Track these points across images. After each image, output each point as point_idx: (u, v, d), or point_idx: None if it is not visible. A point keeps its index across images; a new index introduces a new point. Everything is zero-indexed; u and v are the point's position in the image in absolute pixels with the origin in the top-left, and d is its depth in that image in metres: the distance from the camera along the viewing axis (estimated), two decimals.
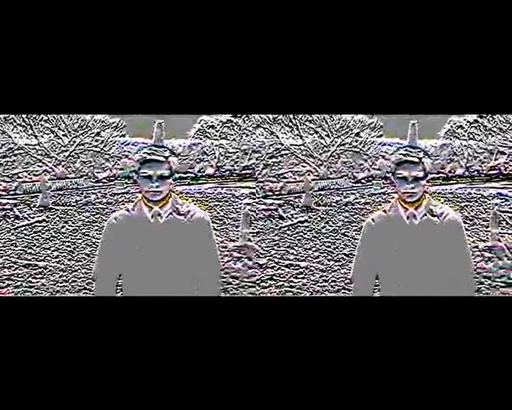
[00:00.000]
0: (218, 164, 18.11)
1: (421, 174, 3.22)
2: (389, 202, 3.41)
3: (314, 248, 10.18)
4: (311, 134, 16.27)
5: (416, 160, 3.23)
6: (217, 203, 14.52)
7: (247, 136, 17.16)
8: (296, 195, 14.75)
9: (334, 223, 12.25)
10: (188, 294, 3.20)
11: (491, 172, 15.42)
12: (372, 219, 3.35)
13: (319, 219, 12.64)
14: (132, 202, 3.31)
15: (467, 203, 13.21)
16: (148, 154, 3.26)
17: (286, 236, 11.24)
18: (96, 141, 18.59)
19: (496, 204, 10.41)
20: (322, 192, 15.05)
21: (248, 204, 13.20)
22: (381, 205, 12.60)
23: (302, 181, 15.21)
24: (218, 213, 13.41)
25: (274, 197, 14.74)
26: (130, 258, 3.22)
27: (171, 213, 3.26)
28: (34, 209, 14.07)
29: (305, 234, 11.30)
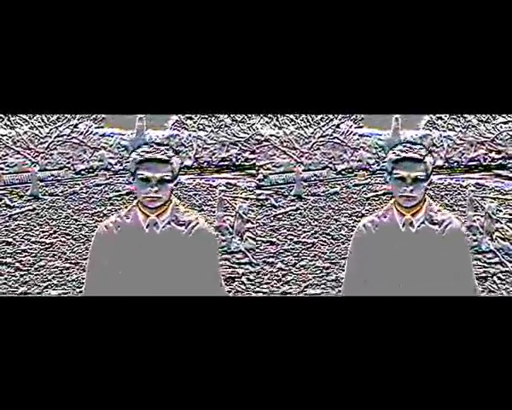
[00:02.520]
0: (196, 155, 18.31)
1: (422, 175, 2.81)
2: (385, 202, 3.15)
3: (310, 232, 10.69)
4: (293, 125, 16.53)
5: (417, 157, 2.83)
6: (195, 192, 14.90)
7: (225, 127, 17.36)
8: (287, 185, 15.17)
9: (325, 210, 12.79)
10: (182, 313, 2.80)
11: (470, 163, 15.83)
12: (364, 226, 2.98)
13: (310, 207, 13.18)
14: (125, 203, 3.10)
15: (446, 192, 13.98)
16: (148, 152, 2.84)
17: (279, 222, 11.79)
18: (76, 132, 18.66)
19: (472, 191, 11.54)
20: (306, 183, 15.35)
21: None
22: (366, 194, 13.09)
23: (293, 171, 15.55)
24: (197, 200, 14.09)
25: (265, 187, 15.04)
26: (122, 273, 2.86)
27: (169, 223, 2.87)
28: (24, 199, 14.43)
29: (298, 220, 11.88)
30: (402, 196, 2.83)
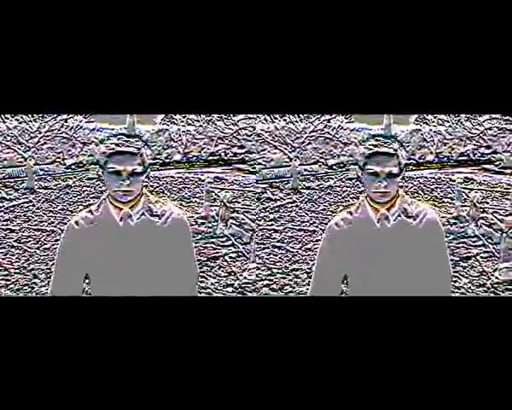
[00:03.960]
0: (186, 150, 18.54)
1: (395, 170, 2.75)
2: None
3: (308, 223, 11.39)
4: (284, 120, 16.76)
5: (390, 151, 2.77)
6: (185, 185, 15.52)
7: (213, 123, 17.61)
8: (283, 178, 15.65)
9: (321, 203, 13.31)
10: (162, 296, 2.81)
11: (460, 158, 16.15)
12: (336, 224, 2.87)
13: (306, 200, 13.74)
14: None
15: (437, 186, 14.48)
16: (117, 145, 2.78)
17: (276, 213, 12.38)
18: (65, 128, 18.82)
19: (460, 183, 12.17)
20: (300, 176, 15.73)
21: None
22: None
23: (290, 166, 15.93)
24: (186, 193, 14.63)
25: (262, 181, 15.41)
26: (96, 269, 2.80)
27: (143, 214, 2.82)
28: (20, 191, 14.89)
29: (295, 212, 12.48)
30: (376, 192, 2.75)
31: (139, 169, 2.76)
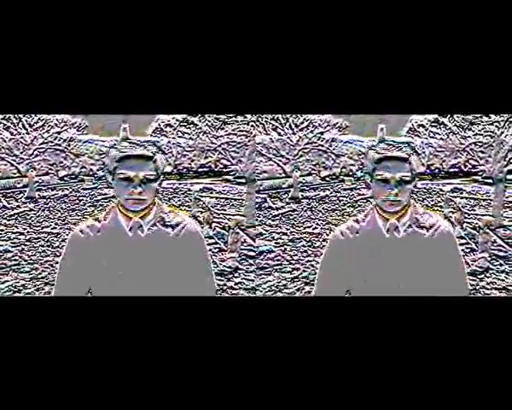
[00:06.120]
0: (176, 162, 18.95)
1: (407, 176, 2.55)
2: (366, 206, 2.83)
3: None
4: (277, 132, 17.16)
5: (402, 156, 2.56)
6: (174, 195, 16.45)
7: (203, 134, 18.02)
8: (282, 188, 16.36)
9: (319, 211, 14.19)
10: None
11: (451, 169, 16.66)
12: (341, 232, 2.69)
13: (305, 208, 14.68)
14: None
15: (428, 195, 15.23)
16: (129, 148, 2.59)
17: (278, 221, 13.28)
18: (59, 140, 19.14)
19: (448, 191, 13.12)
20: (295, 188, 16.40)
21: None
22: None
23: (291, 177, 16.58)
24: (176, 202, 15.60)
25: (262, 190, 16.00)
26: (102, 280, 2.62)
27: (154, 225, 2.62)
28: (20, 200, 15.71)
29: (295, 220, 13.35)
30: (386, 201, 2.55)
31: (152, 176, 2.57)
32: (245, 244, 10.66)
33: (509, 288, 8.72)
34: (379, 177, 2.54)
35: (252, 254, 10.29)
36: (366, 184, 2.64)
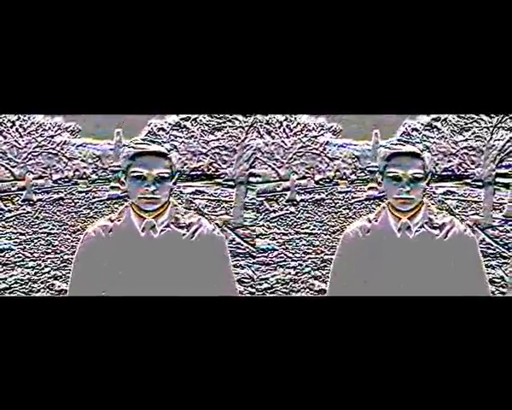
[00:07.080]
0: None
1: (420, 173, 2.51)
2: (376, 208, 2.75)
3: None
4: (271, 136, 17.29)
5: (414, 151, 2.50)
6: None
7: (195, 138, 18.13)
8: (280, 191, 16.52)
9: (316, 213, 14.47)
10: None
11: (444, 173, 16.82)
12: (352, 232, 2.66)
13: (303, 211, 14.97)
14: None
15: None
16: (142, 144, 2.56)
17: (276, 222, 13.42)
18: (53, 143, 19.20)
19: (441, 193, 13.29)
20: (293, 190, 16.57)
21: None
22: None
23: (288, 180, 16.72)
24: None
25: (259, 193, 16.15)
26: (114, 282, 2.58)
27: (168, 226, 2.58)
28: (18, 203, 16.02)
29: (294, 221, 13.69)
30: (398, 199, 2.51)
31: (166, 174, 2.52)
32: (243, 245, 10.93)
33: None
34: (390, 174, 2.51)
35: (248, 252, 10.53)
36: (376, 181, 2.59)
